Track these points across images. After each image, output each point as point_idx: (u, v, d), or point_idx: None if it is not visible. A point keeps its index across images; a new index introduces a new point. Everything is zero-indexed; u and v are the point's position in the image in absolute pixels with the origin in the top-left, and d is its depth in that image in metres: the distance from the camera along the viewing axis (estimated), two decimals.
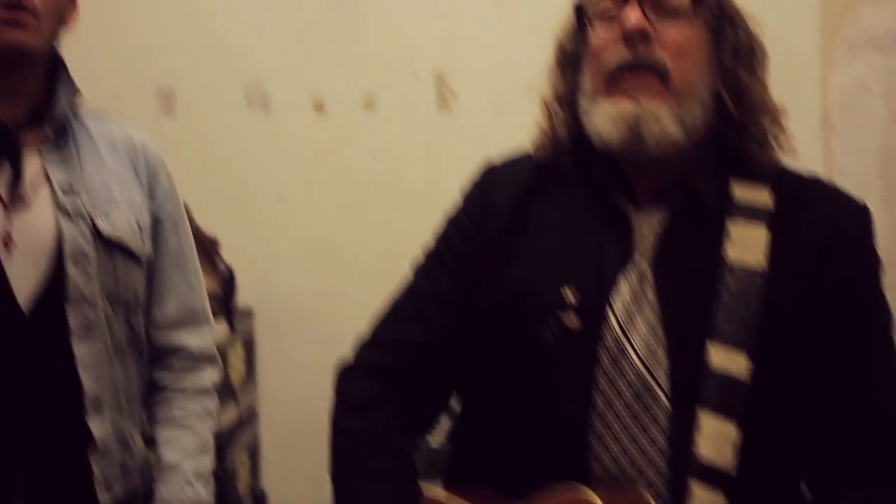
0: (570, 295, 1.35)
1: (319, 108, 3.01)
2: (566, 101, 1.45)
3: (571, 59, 1.46)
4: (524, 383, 1.36)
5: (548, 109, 1.48)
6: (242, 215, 2.98)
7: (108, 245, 1.61)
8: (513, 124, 3.01)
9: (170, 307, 1.71)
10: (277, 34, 2.99)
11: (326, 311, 3.00)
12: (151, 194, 1.70)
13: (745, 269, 1.31)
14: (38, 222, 1.56)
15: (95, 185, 1.63)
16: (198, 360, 1.73)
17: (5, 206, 1.54)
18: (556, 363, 1.33)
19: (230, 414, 2.65)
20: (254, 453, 2.92)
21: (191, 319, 1.73)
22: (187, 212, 1.80)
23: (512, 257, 1.42)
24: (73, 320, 1.55)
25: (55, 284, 1.55)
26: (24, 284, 1.53)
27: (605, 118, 1.35)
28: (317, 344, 2.86)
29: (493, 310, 1.40)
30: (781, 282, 1.31)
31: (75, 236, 1.57)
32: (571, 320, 1.34)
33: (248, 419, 2.87)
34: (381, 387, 1.44)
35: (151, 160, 1.71)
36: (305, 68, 3.00)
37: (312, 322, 3.01)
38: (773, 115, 1.38)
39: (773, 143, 1.38)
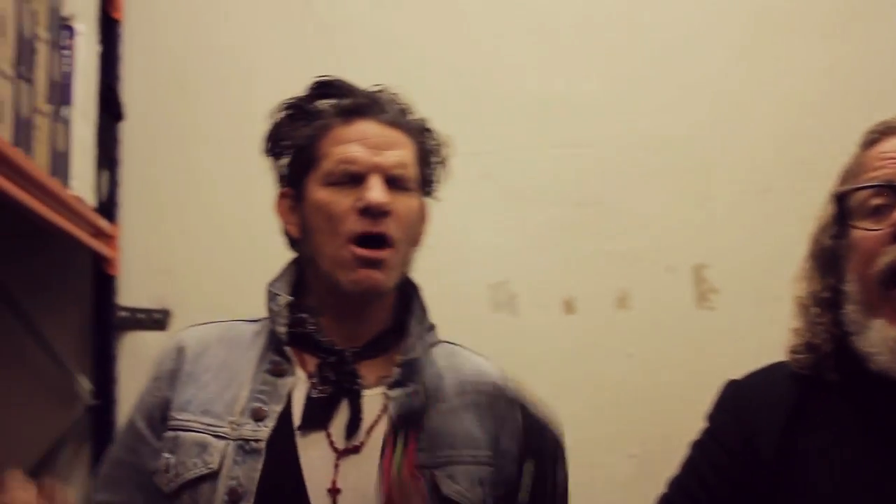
0: None
1: (570, 307, 2.85)
2: (826, 303, 1.25)
3: (830, 255, 1.26)
4: None
5: (805, 312, 1.29)
6: None
7: (444, 503, 1.51)
8: (779, 321, 2.84)
9: None
10: (522, 232, 2.87)
11: None
12: (496, 447, 1.60)
13: None
14: (372, 472, 1.47)
15: (439, 436, 1.54)
16: None
17: (337, 453, 1.49)
18: None
19: None
20: None
21: None
22: None
23: (787, 492, 1.21)
24: None
25: None
26: None
27: (881, 342, 1.15)
28: None
29: None
30: None
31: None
32: None
33: None
34: None
35: (500, 409, 1.61)
36: (554, 267, 2.85)
37: None
38: None
39: None
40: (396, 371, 1.54)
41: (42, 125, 2.10)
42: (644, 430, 2.82)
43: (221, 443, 1.48)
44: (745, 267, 2.86)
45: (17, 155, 1.88)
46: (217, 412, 1.51)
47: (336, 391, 1.52)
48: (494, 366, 1.67)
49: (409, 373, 1.55)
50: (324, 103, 1.57)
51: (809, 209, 2.91)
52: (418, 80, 2.94)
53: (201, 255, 2.82)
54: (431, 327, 1.61)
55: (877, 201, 1.25)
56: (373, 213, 1.47)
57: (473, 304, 2.86)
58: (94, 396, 2.71)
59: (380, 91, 1.59)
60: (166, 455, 1.51)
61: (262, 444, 1.47)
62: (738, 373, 2.86)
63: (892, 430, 1.22)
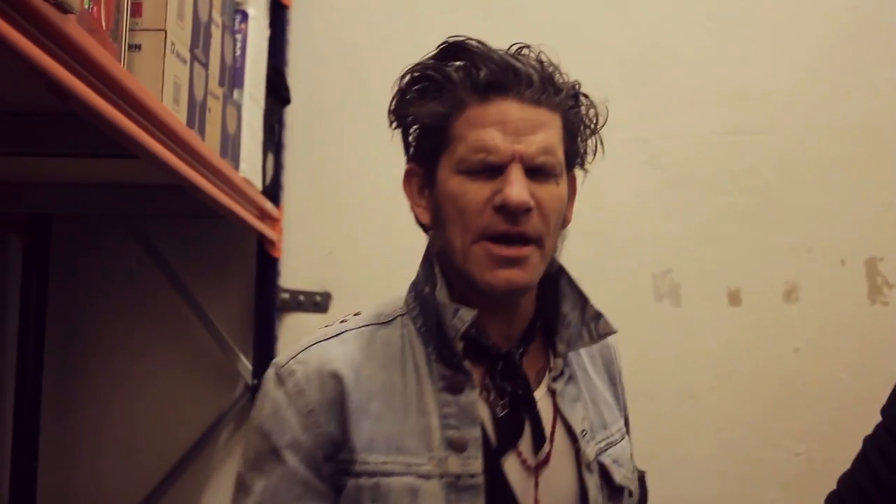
0: None
1: (735, 299, 2.78)
2: None
3: None
4: None
5: None
6: (652, 414, 2.77)
7: (615, 492, 1.41)
8: None
9: None
10: (689, 221, 2.80)
11: None
12: (623, 409, 1.52)
13: None
14: (561, 480, 1.35)
15: (598, 422, 1.42)
16: None
17: (532, 470, 1.34)
18: None
19: None
20: None
21: None
22: None
23: None
24: None
25: None
26: None
27: None
28: None
29: None
30: None
31: (595, 494, 1.37)
32: None
33: None
34: None
35: (619, 367, 1.54)
36: (720, 257, 2.78)
37: None
38: None
39: None
40: (560, 363, 1.40)
41: (214, 108, 2.13)
42: (810, 427, 2.73)
43: (431, 484, 1.30)
44: None
45: (191, 137, 1.91)
46: (411, 448, 1.30)
47: (514, 402, 1.35)
48: None
49: (567, 364, 1.42)
50: (457, 72, 1.32)
51: None
52: (587, 65, 2.90)
53: (363, 239, 2.83)
54: (589, 307, 1.40)
55: None
56: (512, 212, 1.28)
57: (636, 294, 2.80)
58: (254, 376, 2.74)
59: (520, 56, 1.33)
60: None
61: (481, 479, 1.30)
62: None
63: None
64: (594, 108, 1.39)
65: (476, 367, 1.35)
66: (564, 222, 1.38)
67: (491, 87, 1.30)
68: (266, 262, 2.76)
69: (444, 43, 1.36)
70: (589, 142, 1.40)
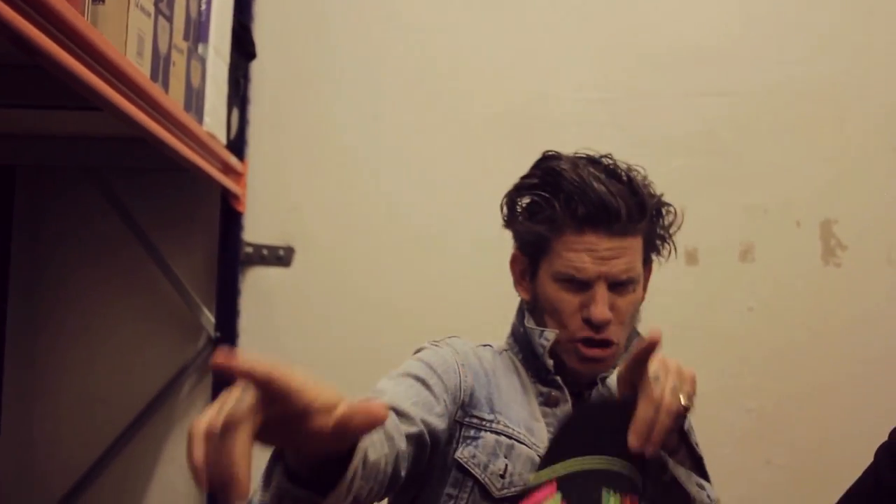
0: None
1: (692, 258, 2.83)
2: None
3: None
4: None
5: None
6: None
7: None
8: None
9: None
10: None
11: None
12: None
13: None
14: None
15: None
16: None
17: None
18: None
19: None
20: None
21: None
22: None
23: None
24: None
25: None
26: None
27: None
28: None
29: None
30: None
31: None
32: None
33: None
34: None
35: None
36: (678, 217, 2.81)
37: None
38: None
39: None
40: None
41: (179, 62, 2.13)
42: (762, 384, 2.79)
43: None
44: (875, 224, 2.80)
45: (155, 90, 1.92)
46: (532, 439, 1.58)
47: None
48: None
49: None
50: (559, 203, 1.57)
51: None
52: (548, 27, 2.93)
53: (326, 195, 2.85)
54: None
55: None
56: (596, 326, 1.56)
57: None
58: (217, 329, 2.76)
59: (612, 183, 1.58)
60: (504, 459, 1.55)
61: None
62: (862, 333, 2.83)
63: None
64: (674, 215, 1.67)
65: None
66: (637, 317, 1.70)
67: (585, 221, 1.55)
68: (230, 216, 2.78)
69: (544, 161, 1.65)
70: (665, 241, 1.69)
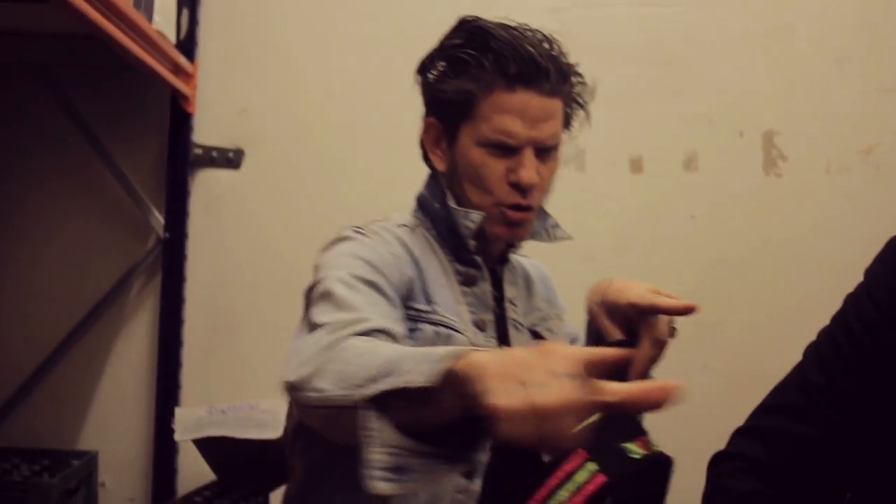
0: None
1: (637, 166, 2.87)
2: None
3: None
4: None
5: None
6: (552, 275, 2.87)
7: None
8: (846, 189, 2.86)
9: None
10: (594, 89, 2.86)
11: None
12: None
13: None
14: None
15: (528, 306, 1.79)
16: None
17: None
18: None
19: None
20: None
21: None
22: None
23: None
24: None
25: None
26: None
27: None
28: None
29: None
30: None
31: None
32: None
33: None
34: (761, 484, 1.32)
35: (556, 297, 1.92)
36: (623, 125, 2.85)
37: None
38: None
39: None
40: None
41: None
42: (703, 291, 2.84)
43: None
44: (815, 136, 2.86)
45: None
46: (463, 326, 1.58)
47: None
48: None
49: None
50: (488, 61, 1.54)
51: (885, 81, 2.92)
52: None
53: (276, 97, 2.85)
54: (555, 223, 1.75)
55: None
56: (524, 189, 1.56)
57: None
58: (166, 230, 2.78)
59: (539, 45, 1.57)
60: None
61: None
62: (801, 242, 2.90)
63: None
64: (587, 89, 1.66)
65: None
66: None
67: (517, 80, 1.53)
68: (179, 117, 2.77)
69: (467, 23, 1.60)
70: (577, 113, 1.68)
